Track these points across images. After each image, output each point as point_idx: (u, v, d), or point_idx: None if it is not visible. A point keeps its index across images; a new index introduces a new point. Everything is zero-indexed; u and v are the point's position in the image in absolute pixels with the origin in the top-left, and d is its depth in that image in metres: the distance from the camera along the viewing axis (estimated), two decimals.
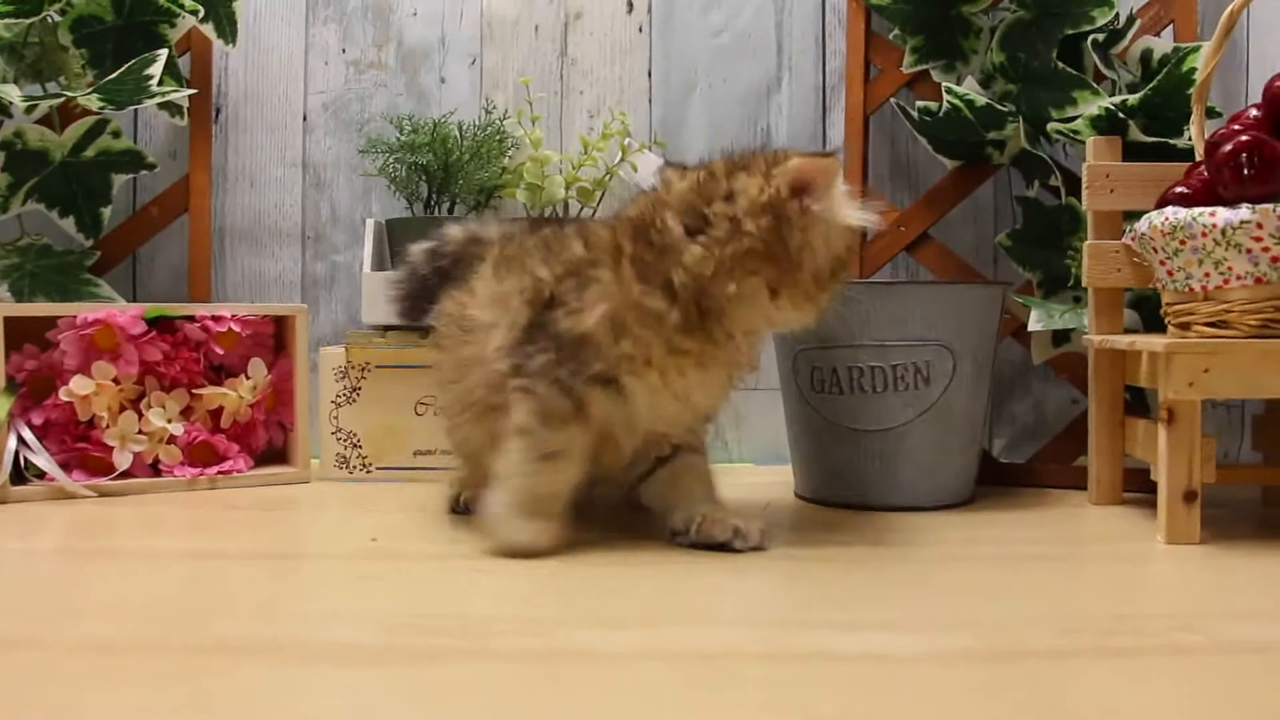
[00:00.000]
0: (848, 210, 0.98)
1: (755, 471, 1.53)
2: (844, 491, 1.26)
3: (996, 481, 1.39)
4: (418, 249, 1.24)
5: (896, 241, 1.48)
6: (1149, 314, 1.32)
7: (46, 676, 0.67)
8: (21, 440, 1.31)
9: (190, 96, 1.48)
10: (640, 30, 1.58)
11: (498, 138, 1.47)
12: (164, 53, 1.34)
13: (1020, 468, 1.41)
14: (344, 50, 1.59)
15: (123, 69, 1.34)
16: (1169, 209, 1.09)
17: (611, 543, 1.05)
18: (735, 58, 1.58)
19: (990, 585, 0.93)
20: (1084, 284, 1.26)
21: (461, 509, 1.18)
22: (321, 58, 1.59)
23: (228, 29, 1.49)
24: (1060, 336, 1.37)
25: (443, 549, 1.04)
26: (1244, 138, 1.04)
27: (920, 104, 1.40)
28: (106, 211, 1.47)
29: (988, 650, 0.74)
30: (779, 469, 1.54)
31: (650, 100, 1.58)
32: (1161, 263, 1.11)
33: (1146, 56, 1.34)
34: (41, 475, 1.30)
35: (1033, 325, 1.32)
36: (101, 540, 1.10)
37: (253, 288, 1.59)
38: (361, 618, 0.81)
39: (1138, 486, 1.27)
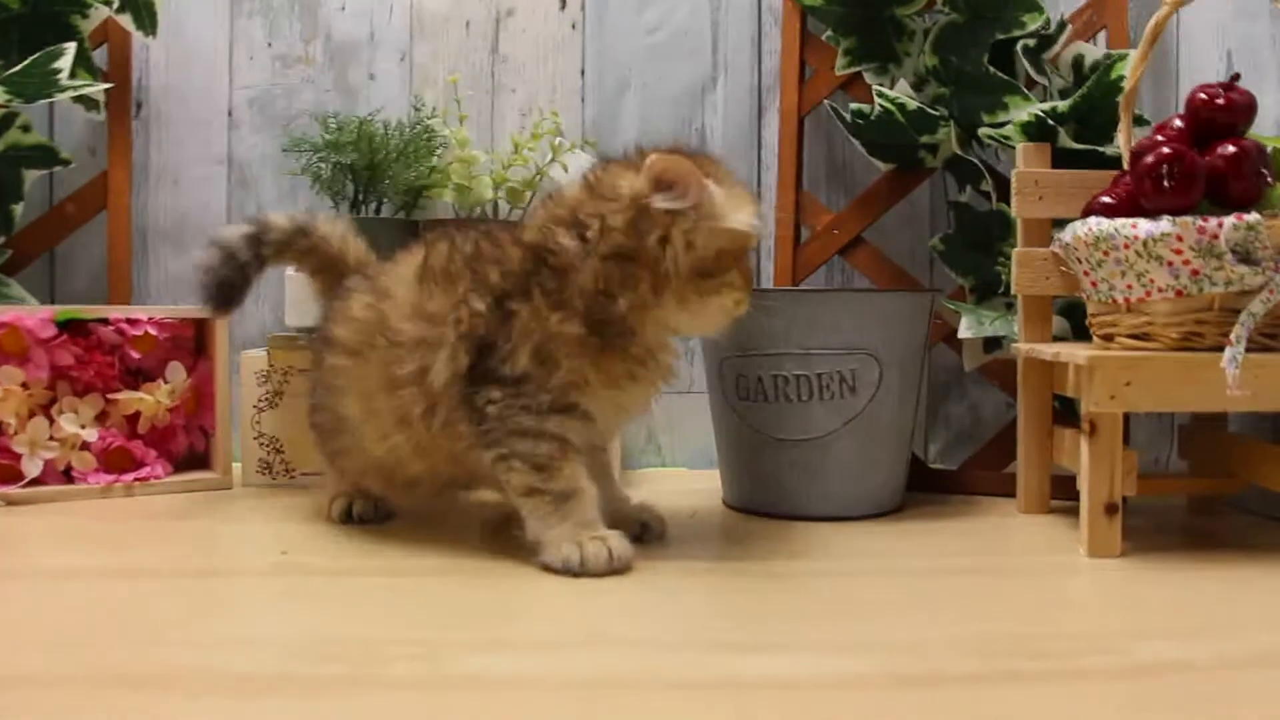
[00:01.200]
0: (719, 210, 0.96)
1: (687, 477, 1.51)
2: (770, 500, 1.25)
3: (927, 488, 1.38)
4: (235, 233, 1.19)
5: (830, 245, 1.47)
6: (1078, 322, 1.31)
7: None
8: None
9: (107, 90, 1.44)
10: (573, 27, 1.55)
11: (425, 137, 1.44)
12: (73, 46, 1.30)
13: (951, 475, 1.40)
14: (270, 44, 1.55)
15: (27, 61, 1.30)
16: (1093, 219, 1.08)
17: (508, 554, 1.02)
18: (669, 57, 1.56)
19: (908, 602, 0.92)
20: (1013, 291, 1.25)
21: (356, 519, 1.16)
22: (247, 52, 1.55)
23: (147, 20, 1.44)
24: (992, 343, 1.36)
25: (353, 563, 1.02)
26: (1165, 149, 1.03)
27: (854, 106, 1.39)
28: (18, 209, 1.43)
29: (895, 675, 0.72)
30: (711, 474, 1.52)
31: (583, 99, 1.56)
32: (1086, 273, 1.10)
33: (1078, 62, 1.33)
34: None
35: (963, 332, 1.30)
36: (2, 556, 1.06)
37: (176, 289, 1.55)
38: (258, 642, 0.78)
39: (1067, 494, 1.26)
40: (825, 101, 1.45)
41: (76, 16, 1.37)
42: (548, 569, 0.96)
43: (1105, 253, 1.07)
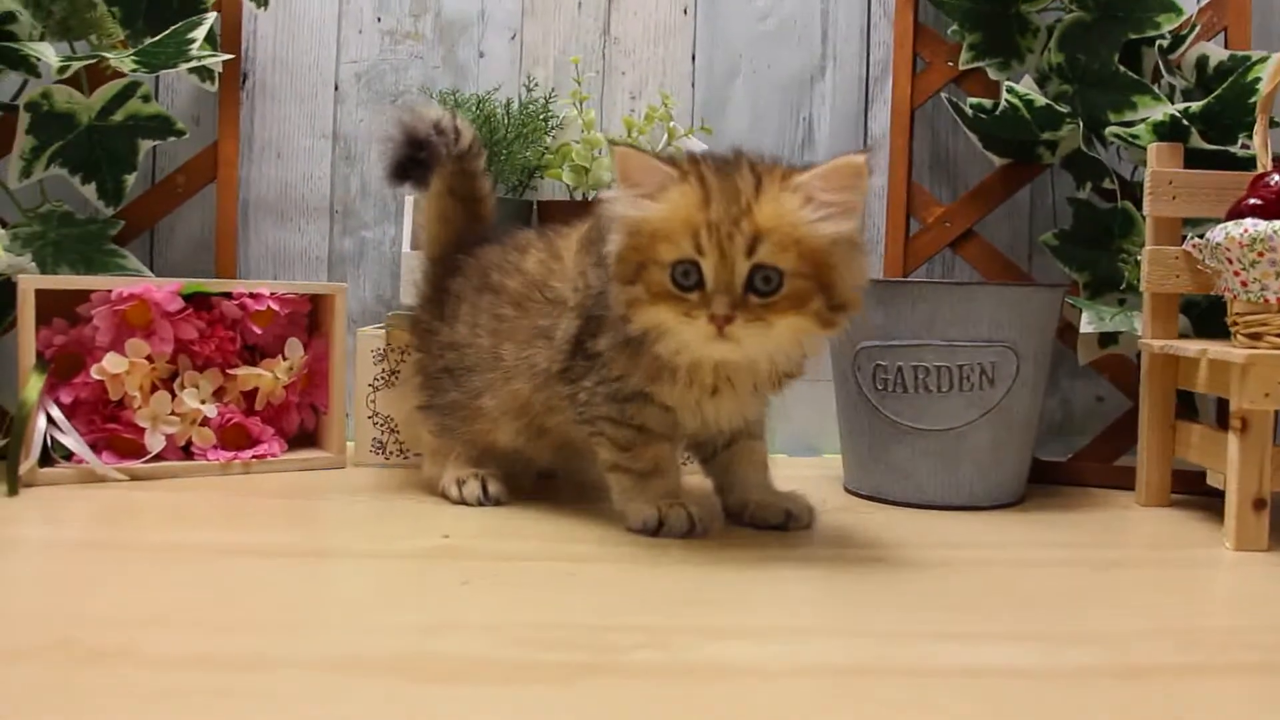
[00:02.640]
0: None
1: (792, 464, 1.52)
2: (903, 489, 1.26)
3: (1036, 479, 1.40)
4: (426, 120, 1.19)
5: (941, 237, 1.48)
6: (1197, 318, 1.34)
7: (54, 690, 0.64)
8: (50, 420, 1.25)
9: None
10: (685, 12, 1.55)
11: (543, 117, 1.43)
12: (213, 16, 1.29)
13: (1061, 466, 1.42)
14: (379, 19, 1.53)
15: (168, 32, 1.28)
16: (1248, 221, 1.10)
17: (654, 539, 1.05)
18: (779, 44, 1.56)
19: (1085, 593, 0.94)
20: (1142, 288, 1.27)
21: (491, 500, 1.16)
22: (355, 25, 1.53)
23: None
24: (1106, 337, 1.38)
25: (516, 546, 1.02)
26: None
27: (973, 100, 1.40)
28: (130, 179, 1.41)
29: (1116, 666, 0.74)
30: (813, 461, 1.54)
31: (693, 84, 1.56)
32: (1236, 273, 1.13)
33: (1202, 63, 1.35)
34: (68, 456, 1.25)
35: (1084, 327, 1.32)
36: (134, 531, 1.05)
37: (276, 262, 1.54)
38: (472, 628, 0.78)
39: (1183, 488, 1.29)
40: (943, 94, 1.46)
41: None
42: (630, 531, 1.05)
43: (1260, 254, 1.09)
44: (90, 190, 1.40)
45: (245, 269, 1.53)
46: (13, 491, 1.17)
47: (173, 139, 1.41)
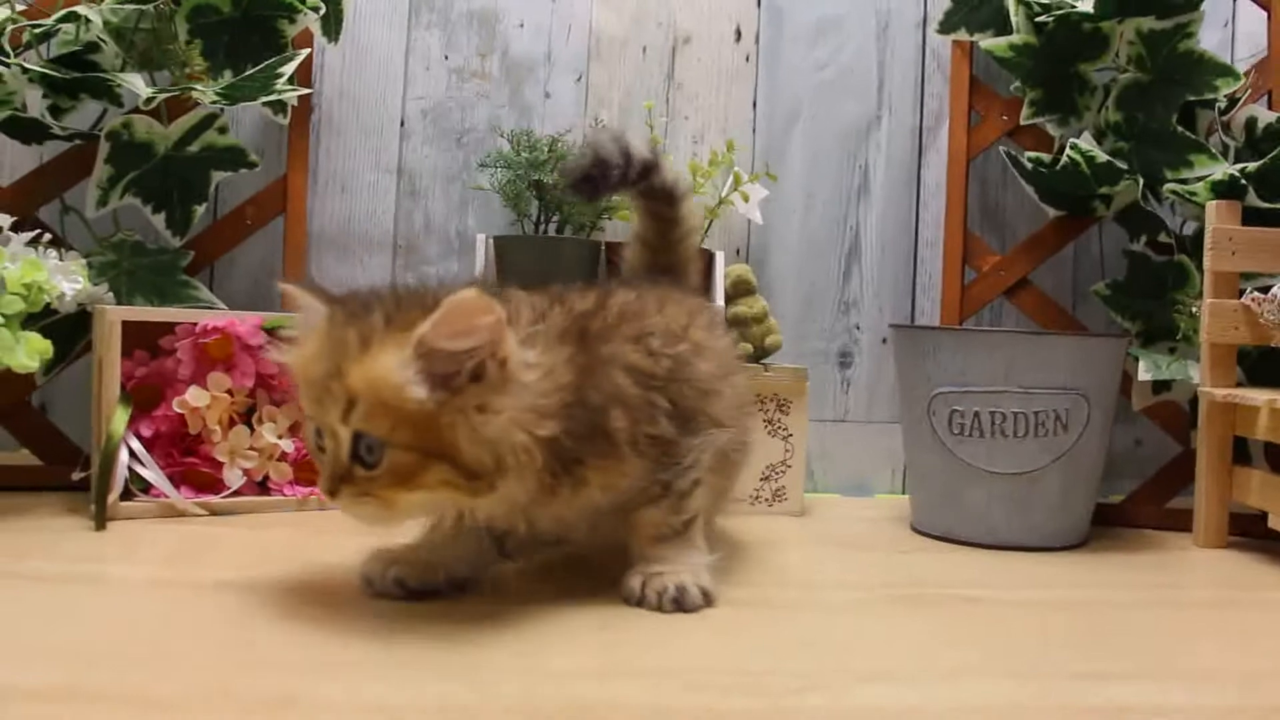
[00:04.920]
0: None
1: (849, 504, 1.54)
2: (974, 530, 1.30)
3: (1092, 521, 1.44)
4: (632, 151, 1.10)
5: (996, 285, 1.53)
6: (1249, 368, 1.40)
7: None
8: (130, 453, 1.23)
9: None
10: (747, 59, 1.59)
11: None
12: (305, 53, 1.29)
13: (1115, 507, 1.46)
14: (446, 57, 1.55)
15: (260, 66, 1.28)
16: None
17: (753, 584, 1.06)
18: (837, 93, 1.60)
19: (1187, 632, 0.98)
20: (1201, 340, 1.33)
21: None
22: (422, 62, 1.54)
23: (333, 26, 1.43)
24: (1159, 385, 1.44)
25: None
26: None
27: (1032, 154, 1.45)
28: (199, 209, 1.40)
29: (1261, 707, 0.78)
30: (868, 502, 1.57)
31: (754, 130, 1.59)
32: None
33: (1251, 124, 1.42)
34: (145, 489, 1.23)
35: (1142, 375, 1.37)
36: (219, 570, 1.04)
37: None
38: (648, 674, 0.80)
39: (1237, 530, 1.34)
40: (1001, 148, 1.51)
41: (284, 21, 1.35)
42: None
43: None
44: (159, 220, 1.39)
45: None
46: (100, 526, 1.15)
47: (243, 171, 1.41)
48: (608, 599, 0.96)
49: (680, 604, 0.94)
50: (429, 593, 0.94)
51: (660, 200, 1.14)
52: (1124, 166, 1.38)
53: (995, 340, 1.29)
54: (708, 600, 0.96)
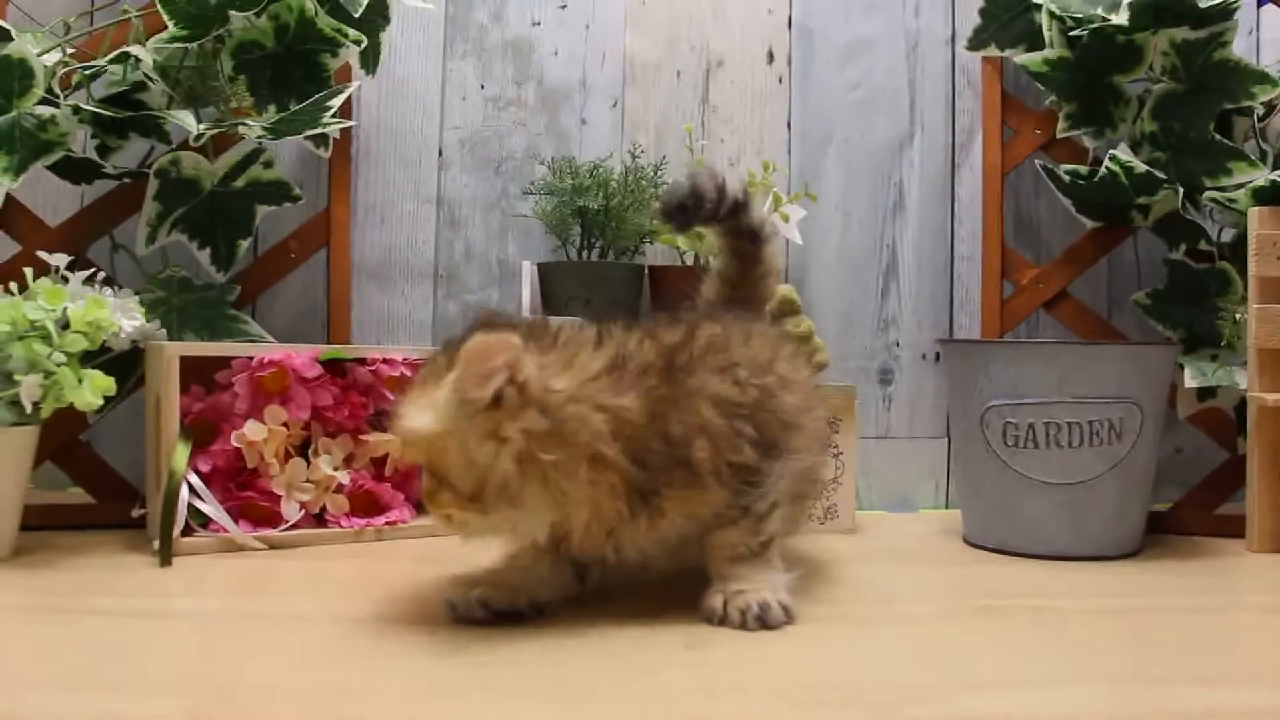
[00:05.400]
0: None
1: (896, 519, 1.55)
2: (1030, 541, 1.30)
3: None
4: (726, 189, 1.11)
5: (1035, 298, 1.54)
6: None
7: None
8: (190, 488, 1.23)
9: None
10: (780, 81, 1.60)
11: (652, 187, 1.47)
12: (355, 85, 1.30)
13: (1164, 515, 1.47)
14: (483, 86, 1.56)
15: (310, 101, 1.29)
16: None
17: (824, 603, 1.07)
18: (870, 112, 1.62)
19: (1267, 635, 0.98)
20: (1249, 345, 1.33)
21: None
22: (459, 92, 1.55)
23: (371, 59, 1.44)
24: (1204, 392, 1.44)
25: None
26: None
27: (1068, 167, 1.47)
28: (244, 244, 1.40)
29: None
30: (914, 517, 1.57)
31: (789, 150, 1.60)
32: None
33: None
34: (205, 524, 1.23)
35: (1188, 382, 1.38)
36: (292, 601, 1.04)
37: (380, 327, 1.54)
38: (795, 689, 0.80)
39: None
40: (1037, 161, 1.53)
41: (327, 56, 1.36)
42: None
43: None
44: (204, 255, 1.39)
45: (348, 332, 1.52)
46: (166, 563, 1.15)
47: (287, 204, 1.41)
48: (687, 619, 0.96)
49: (764, 621, 0.94)
50: (512, 615, 0.94)
51: (746, 239, 1.15)
52: (1162, 176, 1.40)
53: (1048, 352, 1.29)
54: (789, 617, 0.96)
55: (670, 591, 1.02)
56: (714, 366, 0.94)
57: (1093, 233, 1.53)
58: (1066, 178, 1.47)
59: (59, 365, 1.12)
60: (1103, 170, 1.41)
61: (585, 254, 1.47)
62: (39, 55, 1.24)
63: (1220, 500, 1.46)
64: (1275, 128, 1.45)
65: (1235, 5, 1.38)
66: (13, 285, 1.18)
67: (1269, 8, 1.58)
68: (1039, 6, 1.45)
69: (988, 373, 1.31)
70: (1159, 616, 1.05)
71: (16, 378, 1.11)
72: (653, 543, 0.95)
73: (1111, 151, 1.40)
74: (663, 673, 0.83)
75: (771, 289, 1.21)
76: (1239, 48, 1.46)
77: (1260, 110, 1.42)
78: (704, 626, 0.95)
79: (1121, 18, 1.38)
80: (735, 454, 0.93)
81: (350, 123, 1.40)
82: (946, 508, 1.61)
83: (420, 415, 0.87)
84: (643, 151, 1.53)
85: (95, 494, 1.35)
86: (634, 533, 0.93)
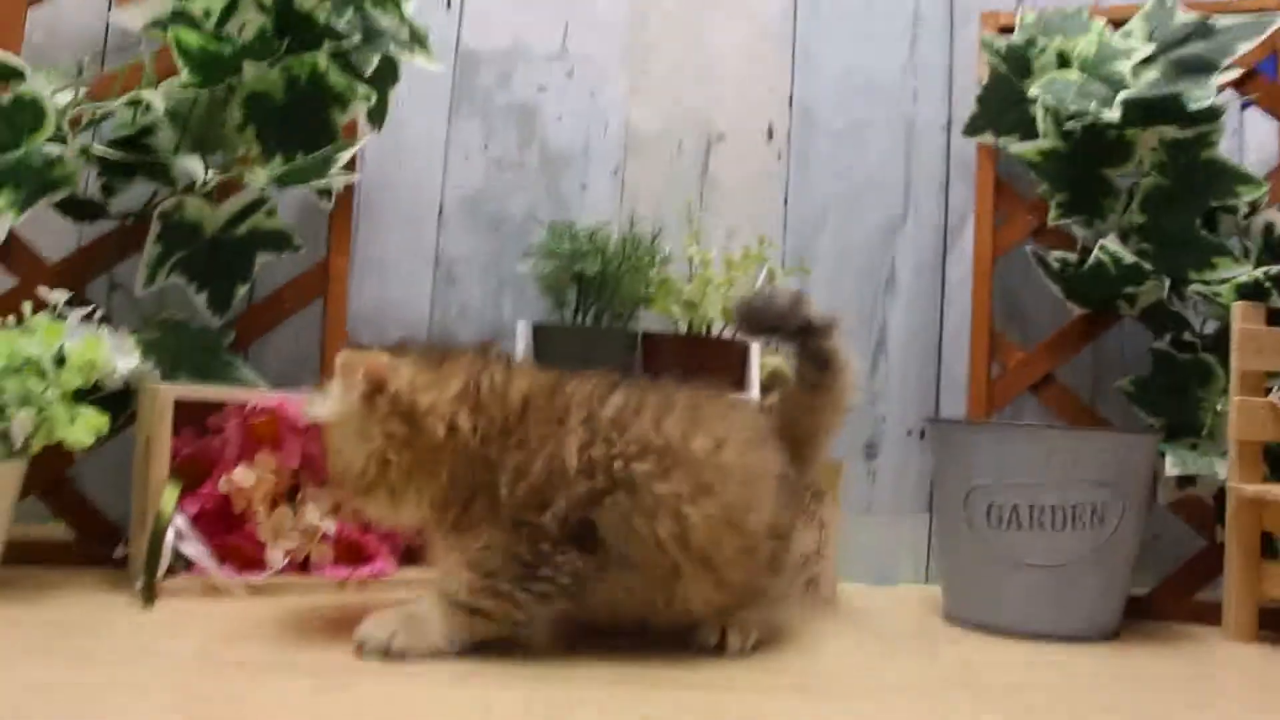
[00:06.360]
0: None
1: (878, 594, 1.55)
2: (1010, 619, 1.31)
3: None
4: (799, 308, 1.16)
5: (1022, 380, 1.56)
6: (1272, 464, 1.43)
7: None
8: (176, 530, 1.22)
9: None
10: (779, 158, 1.64)
11: (649, 255, 1.49)
12: (367, 139, 1.31)
13: (1141, 600, 1.47)
14: (486, 147, 1.58)
15: (319, 153, 1.31)
16: None
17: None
18: (865, 193, 1.65)
19: None
20: (1230, 437, 1.36)
21: None
22: (463, 152, 1.58)
23: (379, 115, 1.47)
24: (1184, 480, 1.46)
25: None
26: None
27: (1058, 254, 1.50)
28: (241, 290, 1.41)
29: None
30: (895, 590, 1.57)
31: (785, 225, 1.63)
32: None
33: (1269, 229, 1.47)
34: (188, 566, 1.22)
35: (1169, 470, 1.40)
36: (265, 649, 1.03)
37: None
38: None
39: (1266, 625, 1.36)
40: (1028, 248, 1.56)
41: (336, 110, 1.38)
42: None
43: None
44: (202, 298, 1.40)
45: None
46: (149, 603, 1.14)
47: (286, 253, 1.42)
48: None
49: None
50: None
51: (810, 361, 1.17)
52: (1149, 267, 1.43)
53: (1034, 435, 1.32)
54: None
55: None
56: (570, 424, 1.02)
57: (1080, 319, 1.56)
58: (1056, 264, 1.51)
59: (51, 402, 1.12)
60: (1093, 259, 1.45)
61: (581, 318, 1.49)
62: (51, 94, 1.26)
63: (1197, 587, 1.47)
64: (1258, 226, 1.49)
65: (1222, 108, 1.43)
66: (10, 319, 1.18)
67: (1252, 110, 1.63)
68: (1034, 99, 1.49)
69: (973, 453, 1.33)
70: (1138, 703, 1.05)
71: (9, 412, 1.11)
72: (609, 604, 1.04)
73: (1102, 242, 1.44)
74: None
75: (829, 427, 1.22)
76: (1224, 147, 1.50)
77: (1245, 209, 1.46)
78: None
79: (1114, 114, 1.42)
80: (533, 514, 0.99)
81: (355, 176, 1.41)
82: (926, 582, 1.62)
83: (318, 406, 1.03)
84: (642, 219, 1.55)
85: (78, 530, 1.34)
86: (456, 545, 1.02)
